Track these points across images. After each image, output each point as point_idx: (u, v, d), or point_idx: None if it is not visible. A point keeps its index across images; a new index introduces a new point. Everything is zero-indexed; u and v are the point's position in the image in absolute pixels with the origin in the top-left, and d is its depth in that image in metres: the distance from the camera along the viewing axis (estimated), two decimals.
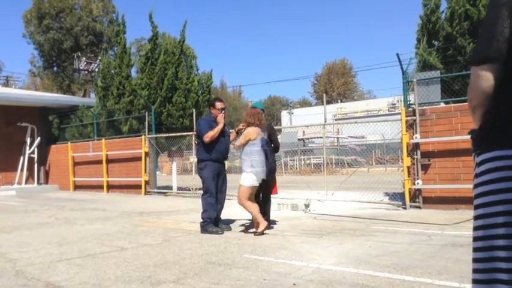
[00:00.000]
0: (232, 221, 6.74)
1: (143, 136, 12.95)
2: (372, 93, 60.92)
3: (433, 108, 7.90)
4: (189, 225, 6.61)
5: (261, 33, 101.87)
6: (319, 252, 4.51)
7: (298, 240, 5.27)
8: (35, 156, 16.56)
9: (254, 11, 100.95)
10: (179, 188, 12.77)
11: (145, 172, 12.84)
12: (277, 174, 6.86)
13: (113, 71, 14.81)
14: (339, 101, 52.81)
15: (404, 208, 7.80)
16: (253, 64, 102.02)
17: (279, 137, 8.41)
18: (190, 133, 11.80)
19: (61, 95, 27.39)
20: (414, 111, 7.87)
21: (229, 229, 6.09)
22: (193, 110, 12.68)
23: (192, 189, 11.85)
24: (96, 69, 32.46)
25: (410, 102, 8.28)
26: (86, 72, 37.20)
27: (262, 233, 5.62)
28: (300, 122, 37.20)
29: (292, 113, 48.44)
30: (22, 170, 16.36)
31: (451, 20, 9.11)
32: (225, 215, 6.46)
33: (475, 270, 1.42)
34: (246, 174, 5.68)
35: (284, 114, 50.75)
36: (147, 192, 12.86)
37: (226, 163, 6.97)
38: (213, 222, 5.93)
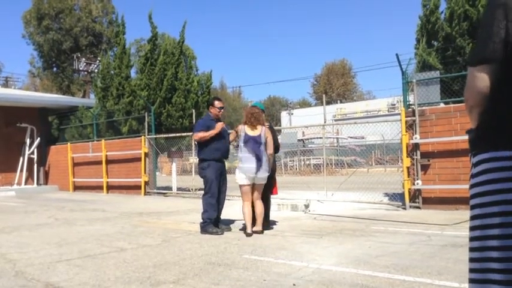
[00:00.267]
0: (232, 221, 6.74)
1: (143, 137, 12.95)
2: (371, 94, 61.00)
3: (433, 109, 7.91)
4: (188, 226, 6.61)
5: (261, 34, 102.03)
6: (319, 253, 4.52)
7: (298, 240, 5.27)
8: (35, 156, 16.55)
9: (254, 11, 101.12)
10: (179, 189, 12.76)
11: (145, 173, 12.84)
12: (277, 175, 6.86)
13: (112, 72, 14.81)
14: (339, 101, 52.84)
15: (404, 208, 7.80)
16: (253, 64, 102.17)
17: (279, 137, 8.40)
18: (190, 134, 11.76)
19: (60, 95, 27.36)
20: (414, 111, 7.87)
21: (229, 229, 6.10)
22: (193, 110, 12.71)
23: (192, 189, 11.86)
24: (96, 70, 32.48)
25: (410, 103, 8.29)
26: (86, 73, 37.20)
27: (246, 234, 5.63)
28: (300, 122, 37.21)
29: (292, 114, 48.51)
30: (22, 170, 16.36)
31: (451, 21, 9.11)
32: (225, 215, 6.46)
33: (471, 270, 1.44)
34: (236, 172, 5.79)
35: (284, 115, 50.82)
36: (146, 193, 12.86)
37: (227, 164, 6.98)
38: (212, 222, 5.93)
